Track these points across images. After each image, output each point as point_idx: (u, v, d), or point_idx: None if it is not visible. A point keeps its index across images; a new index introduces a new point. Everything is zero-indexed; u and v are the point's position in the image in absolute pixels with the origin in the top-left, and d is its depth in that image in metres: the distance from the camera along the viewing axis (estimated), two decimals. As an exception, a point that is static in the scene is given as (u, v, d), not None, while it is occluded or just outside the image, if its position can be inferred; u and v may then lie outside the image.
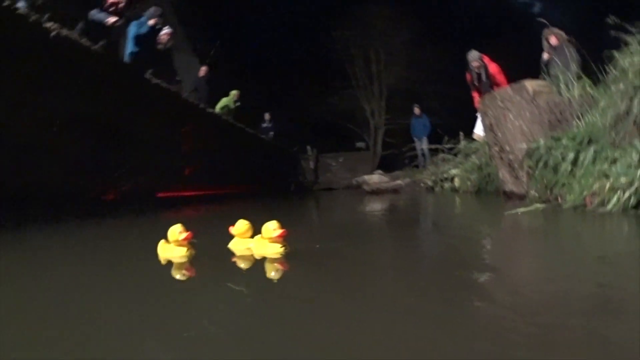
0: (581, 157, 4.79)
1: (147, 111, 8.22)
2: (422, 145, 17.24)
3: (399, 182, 12.10)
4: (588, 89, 5.90)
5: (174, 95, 9.79)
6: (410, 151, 16.63)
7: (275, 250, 2.41)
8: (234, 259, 2.46)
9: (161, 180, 8.42)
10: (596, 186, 4.13)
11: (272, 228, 2.38)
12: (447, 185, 10.05)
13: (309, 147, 24.18)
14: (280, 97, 24.24)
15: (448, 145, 11.30)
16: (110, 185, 6.95)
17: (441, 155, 11.51)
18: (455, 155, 10.54)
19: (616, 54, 5.29)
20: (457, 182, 9.08)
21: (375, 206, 7.68)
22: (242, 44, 25.73)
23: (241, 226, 2.58)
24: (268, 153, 17.51)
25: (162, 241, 2.55)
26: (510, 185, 6.14)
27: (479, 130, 10.33)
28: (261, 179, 15.19)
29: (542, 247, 2.74)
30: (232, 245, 2.62)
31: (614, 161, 4.39)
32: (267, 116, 20.15)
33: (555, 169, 5.01)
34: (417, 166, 16.11)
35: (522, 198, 5.71)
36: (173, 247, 2.48)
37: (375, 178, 12.19)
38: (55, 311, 1.64)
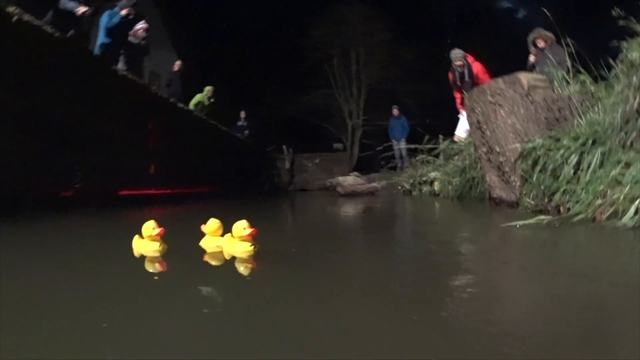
0: (586, 160, 4.06)
1: (111, 104, 7.40)
2: (400, 147, 16.57)
3: (374, 184, 11.32)
4: (588, 84, 5.19)
5: (142, 88, 8.93)
6: (387, 152, 15.91)
7: (245, 249, 2.41)
8: (205, 257, 2.45)
9: (124, 178, 7.59)
10: (611, 196, 3.38)
11: (242, 227, 2.38)
12: (425, 189, 9.33)
13: (285, 147, 23.42)
14: (256, 96, 23.37)
15: (428, 146, 10.52)
16: (64, 183, 6.08)
17: (420, 156, 10.74)
18: (436, 157, 9.82)
19: (624, 46, 4.56)
20: (436, 185, 8.33)
21: (349, 209, 6.90)
22: (219, 40, 24.78)
23: (212, 224, 2.61)
24: (242, 152, 16.64)
25: (137, 236, 2.59)
26: (498, 191, 5.39)
27: (460, 131, 9.74)
28: (234, 178, 14.32)
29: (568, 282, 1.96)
30: (203, 243, 2.63)
31: (627, 165, 3.67)
32: (242, 114, 19.38)
33: (555, 174, 4.28)
34: (394, 169, 15.48)
35: (512, 205, 4.98)
36: (147, 242, 2.52)
37: (350, 180, 11.37)
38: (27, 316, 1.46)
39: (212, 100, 14.73)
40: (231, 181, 13.69)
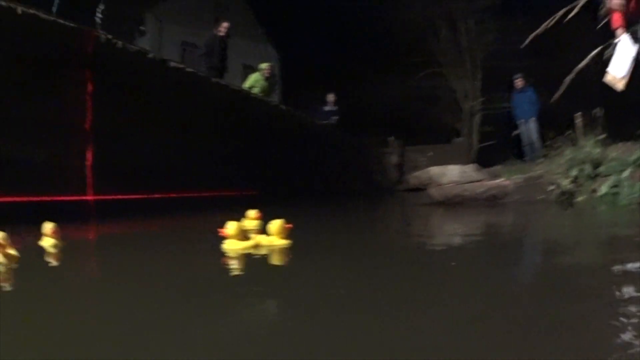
0: None
1: None
2: (529, 128, 10.75)
3: (501, 180, 5.74)
4: None
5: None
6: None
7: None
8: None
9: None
10: None
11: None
12: (611, 189, 3.75)
13: (391, 139, 18.11)
14: (349, 79, 18.23)
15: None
16: None
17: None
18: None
19: None
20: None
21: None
22: (304, 15, 20.00)
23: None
24: (318, 143, 11.65)
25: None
26: None
27: (615, 67, 5.01)
28: (298, 176, 9.46)
29: None
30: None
31: None
32: (330, 97, 14.62)
33: None
34: (522, 158, 9.92)
35: None
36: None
37: (454, 172, 5.73)
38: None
39: (270, 80, 10.57)
40: (290, 181, 8.86)
